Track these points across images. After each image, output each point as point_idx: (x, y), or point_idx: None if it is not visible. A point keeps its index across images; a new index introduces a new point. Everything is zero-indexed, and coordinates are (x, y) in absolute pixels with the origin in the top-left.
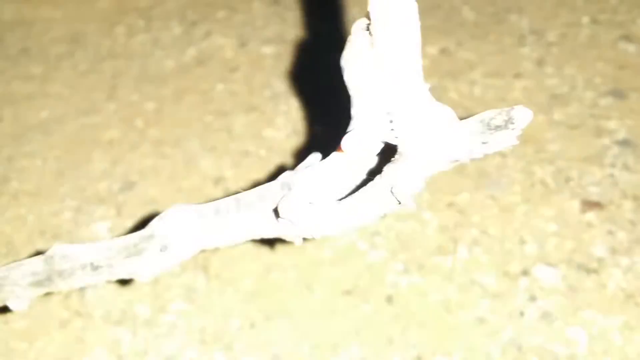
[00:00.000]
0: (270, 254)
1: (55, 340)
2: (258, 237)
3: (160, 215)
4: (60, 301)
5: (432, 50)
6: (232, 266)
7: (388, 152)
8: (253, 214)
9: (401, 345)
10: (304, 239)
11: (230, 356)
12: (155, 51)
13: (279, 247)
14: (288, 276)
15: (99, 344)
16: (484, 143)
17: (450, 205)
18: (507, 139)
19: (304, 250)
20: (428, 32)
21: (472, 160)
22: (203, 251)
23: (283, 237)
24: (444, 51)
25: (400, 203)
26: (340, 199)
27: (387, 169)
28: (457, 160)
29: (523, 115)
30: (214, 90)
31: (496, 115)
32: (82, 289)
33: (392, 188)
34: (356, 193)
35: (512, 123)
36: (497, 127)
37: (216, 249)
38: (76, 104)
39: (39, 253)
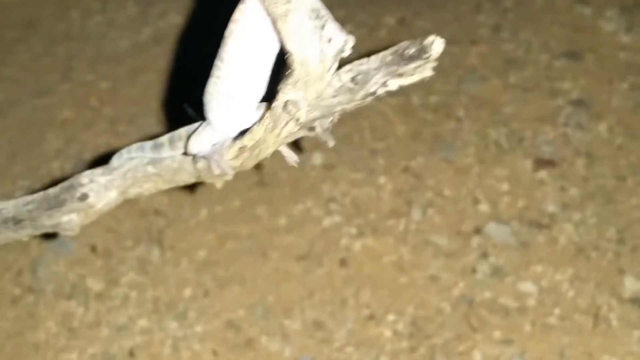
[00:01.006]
0: (225, 224)
1: (6, 317)
2: (181, 182)
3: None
4: (11, 278)
5: (390, 20)
6: (187, 237)
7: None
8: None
9: (354, 306)
10: (221, 178)
11: (184, 324)
12: (110, 32)
13: (235, 217)
14: (243, 245)
15: (51, 318)
16: (399, 75)
17: (406, 169)
18: (422, 70)
19: (259, 220)
20: (386, 3)
21: (390, 94)
22: (127, 200)
23: (202, 178)
24: (401, 21)
25: (299, 123)
26: (243, 131)
27: (281, 85)
28: (372, 94)
29: (436, 45)
30: (170, 68)
31: (409, 46)
32: (33, 265)
33: (285, 105)
34: (257, 120)
35: (425, 52)
36: (411, 58)
37: (170, 222)
38: (30, 87)
39: None
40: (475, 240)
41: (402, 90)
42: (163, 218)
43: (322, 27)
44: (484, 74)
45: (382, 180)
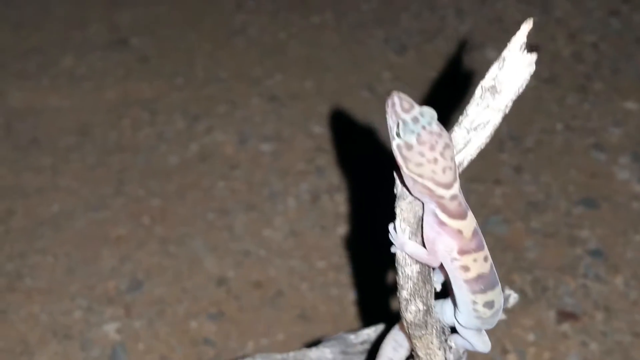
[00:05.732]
0: None
1: None
2: None
3: None
4: None
5: None
6: None
7: None
8: None
9: None
10: None
11: None
12: (160, 145)
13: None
14: None
15: None
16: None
17: None
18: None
19: None
20: None
21: None
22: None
23: None
24: None
25: None
26: None
27: None
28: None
29: (512, 299)
30: (215, 188)
31: None
32: None
33: None
34: None
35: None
36: None
37: (219, 352)
38: (85, 198)
39: None
40: None
41: None
42: (212, 348)
43: (446, 340)
44: (507, 216)
45: None
